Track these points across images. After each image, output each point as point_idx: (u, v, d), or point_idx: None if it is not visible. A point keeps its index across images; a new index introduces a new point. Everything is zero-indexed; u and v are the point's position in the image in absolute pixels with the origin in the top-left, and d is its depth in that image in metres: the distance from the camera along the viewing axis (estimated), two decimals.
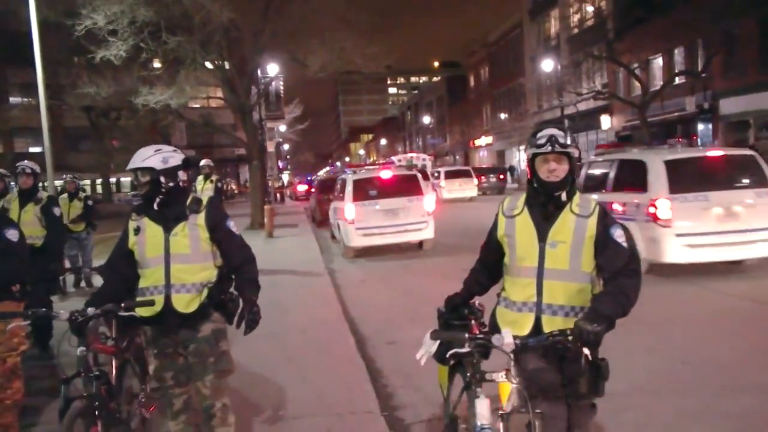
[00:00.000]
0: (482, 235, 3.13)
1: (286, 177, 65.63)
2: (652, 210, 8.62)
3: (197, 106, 29.56)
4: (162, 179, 3.37)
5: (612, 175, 9.92)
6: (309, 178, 49.80)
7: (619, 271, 2.73)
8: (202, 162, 12.40)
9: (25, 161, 6.88)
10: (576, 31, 35.97)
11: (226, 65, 18.18)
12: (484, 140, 58.18)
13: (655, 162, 8.93)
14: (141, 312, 3.42)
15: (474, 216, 19.97)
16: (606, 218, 2.82)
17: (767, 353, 5.61)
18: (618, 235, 2.80)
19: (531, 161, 2.84)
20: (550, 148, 2.75)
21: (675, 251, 8.56)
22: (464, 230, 16.07)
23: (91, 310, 3.32)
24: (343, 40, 17.28)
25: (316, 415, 4.57)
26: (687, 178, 8.67)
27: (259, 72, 23.47)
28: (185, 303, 3.39)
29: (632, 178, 9.29)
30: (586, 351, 2.66)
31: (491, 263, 3.07)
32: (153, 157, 3.39)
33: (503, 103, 53.13)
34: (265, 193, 22.82)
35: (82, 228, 10.20)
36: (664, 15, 27.68)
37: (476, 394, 2.68)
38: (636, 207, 9.00)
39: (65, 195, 10.38)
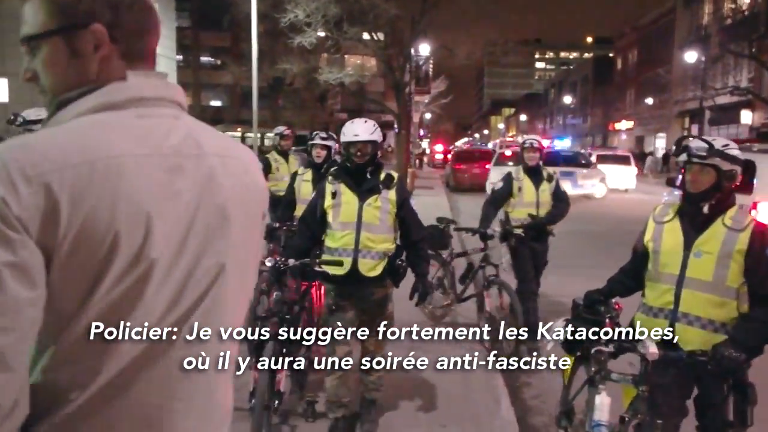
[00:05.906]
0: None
1: (425, 145, 69.46)
2: None
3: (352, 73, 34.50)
4: (378, 153, 3.72)
5: None
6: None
7: (764, 299, 2.67)
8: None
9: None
10: (729, 21, 35.73)
11: (389, 49, 22.21)
12: (624, 124, 58.15)
13: None
14: (331, 270, 3.69)
15: None
16: (763, 237, 2.71)
17: None
18: None
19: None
20: (685, 158, 2.74)
21: None
22: None
23: (291, 261, 3.63)
24: (486, 34, 20.62)
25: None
26: None
27: (412, 51, 27.29)
28: (369, 267, 3.69)
29: None
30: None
31: (637, 267, 3.08)
32: (376, 131, 3.67)
33: (648, 88, 52.83)
34: (409, 158, 26.60)
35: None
36: None
37: (598, 390, 2.74)
38: None
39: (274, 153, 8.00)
